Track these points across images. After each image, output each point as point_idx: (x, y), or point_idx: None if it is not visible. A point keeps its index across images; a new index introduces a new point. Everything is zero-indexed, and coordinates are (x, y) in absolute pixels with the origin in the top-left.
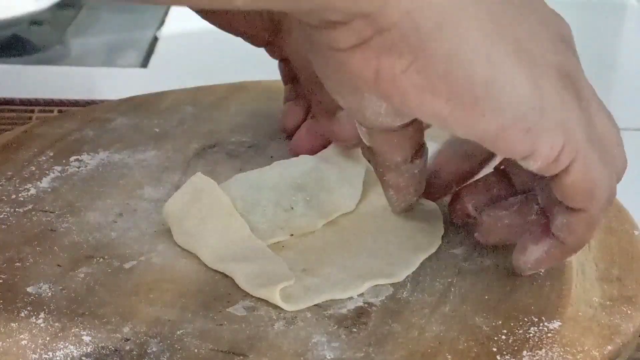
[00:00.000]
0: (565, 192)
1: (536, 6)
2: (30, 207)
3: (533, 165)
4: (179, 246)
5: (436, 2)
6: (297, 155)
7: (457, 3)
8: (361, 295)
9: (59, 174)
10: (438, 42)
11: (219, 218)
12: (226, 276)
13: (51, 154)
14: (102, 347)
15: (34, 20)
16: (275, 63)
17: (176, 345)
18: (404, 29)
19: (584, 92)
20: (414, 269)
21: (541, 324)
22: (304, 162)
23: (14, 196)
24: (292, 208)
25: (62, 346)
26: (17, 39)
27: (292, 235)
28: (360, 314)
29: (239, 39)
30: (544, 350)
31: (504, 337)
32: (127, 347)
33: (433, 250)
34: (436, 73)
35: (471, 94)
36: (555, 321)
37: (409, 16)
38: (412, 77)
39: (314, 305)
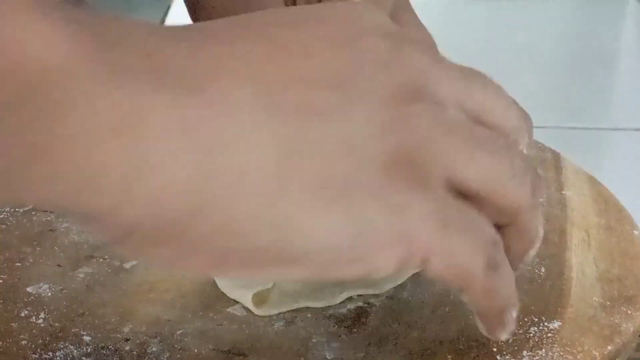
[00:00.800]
0: (437, 280)
1: (365, 57)
2: (30, 207)
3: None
4: None
5: (183, 187)
6: None
7: (221, 172)
8: (361, 295)
9: None
10: (200, 224)
11: None
12: None
13: None
14: (102, 347)
15: None
16: None
17: (176, 345)
18: (155, 224)
19: (427, 164)
20: (399, 283)
21: (541, 324)
22: None
23: None
24: None
25: (62, 346)
26: None
27: None
28: (360, 314)
29: None
30: (544, 350)
31: None
32: (127, 347)
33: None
34: (213, 251)
35: (263, 259)
36: (555, 321)
37: (154, 213)
38: (192, 259)
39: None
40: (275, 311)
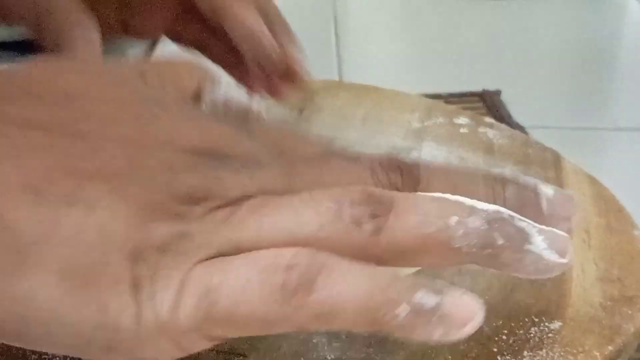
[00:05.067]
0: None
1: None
2: None
3: None
4: None
5: None
6: None
7: None
8: None
9: None
10: None
11: None
12: None
13: None
14: None
15: None
16: None
17: None
18: None
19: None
20: None
21: (542, 324)
22: None
23: None
24: None
25: None
26: (18, 39)
27: None
28: None
29: None
30: (544, 350)
31: (504, 337)
32: None
33: (417, 268)
34: None
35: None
36: (555, 321)
37: None
38: None
39: None
40: None
